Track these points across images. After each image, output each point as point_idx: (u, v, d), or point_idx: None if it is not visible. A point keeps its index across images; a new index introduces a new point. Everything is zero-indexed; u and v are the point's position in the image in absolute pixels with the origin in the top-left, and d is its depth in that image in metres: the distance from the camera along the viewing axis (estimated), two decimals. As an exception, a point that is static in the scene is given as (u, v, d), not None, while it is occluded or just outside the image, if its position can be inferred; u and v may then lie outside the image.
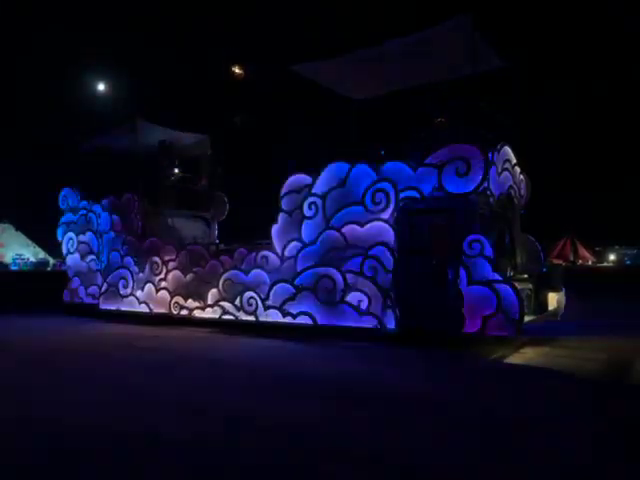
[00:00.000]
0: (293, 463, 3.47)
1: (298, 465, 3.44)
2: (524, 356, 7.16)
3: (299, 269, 9.01)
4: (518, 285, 7.32)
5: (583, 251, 60.26)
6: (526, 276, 8.64)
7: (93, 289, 13.00)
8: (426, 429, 4.13)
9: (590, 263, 57.97)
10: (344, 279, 8.42)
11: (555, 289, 8.70)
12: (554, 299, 8.72)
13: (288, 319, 9.13)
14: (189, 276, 10.80)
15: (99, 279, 12.80)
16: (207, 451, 3.71)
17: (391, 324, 7.99)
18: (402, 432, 4.06)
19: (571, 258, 57.99)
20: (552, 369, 6.31)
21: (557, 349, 7.63)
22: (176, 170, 13.82)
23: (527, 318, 7.51)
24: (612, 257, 59.80)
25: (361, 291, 8.28)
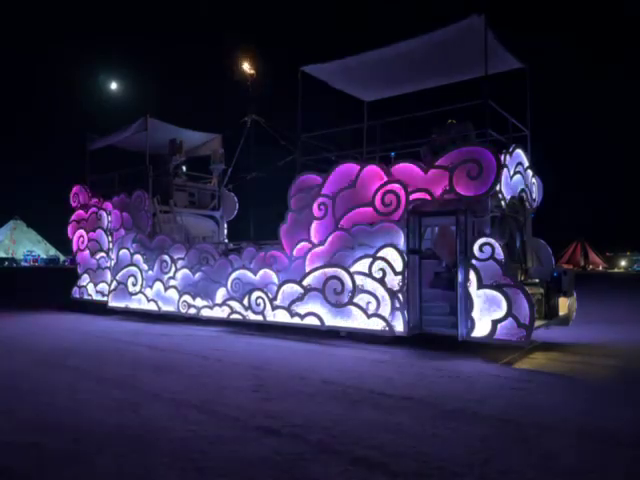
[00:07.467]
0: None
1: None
2: (534, 361, 7.07)
3: (307, 270, 8.98)
4: (529, 289, 7.22)
5: (594, 256, 59.78)
6: (537, 280, 8.54)
7: (102, 286, 13.08)
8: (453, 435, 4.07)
9: (601, 268, 57.46)
10: (352, 280, 8.38)
11: (566, 294, 8.59)
12: (565, 304, 8.61)
13: (296, 320, 9.11)
14: (198, 275, 10.82)
15: (108, 276, 12.86)
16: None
17: (399, 327, 7.93)
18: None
19: (582, 263, 57.55)
20: (563, 375, 6.23)
21: (568, 355, 7.54)
22: (184, 168, 13.87)
23: (537, 323, 7.43)
24: (623, 263, 59.28)
25: (369, 293, 8.23)
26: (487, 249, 7.21)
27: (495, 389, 5.56)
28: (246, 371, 6.44)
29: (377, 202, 8.26)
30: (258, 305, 9.67)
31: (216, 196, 14.16)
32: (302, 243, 9.13)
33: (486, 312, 7.16)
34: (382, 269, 8.10)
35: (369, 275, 8.22)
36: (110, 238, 12.94)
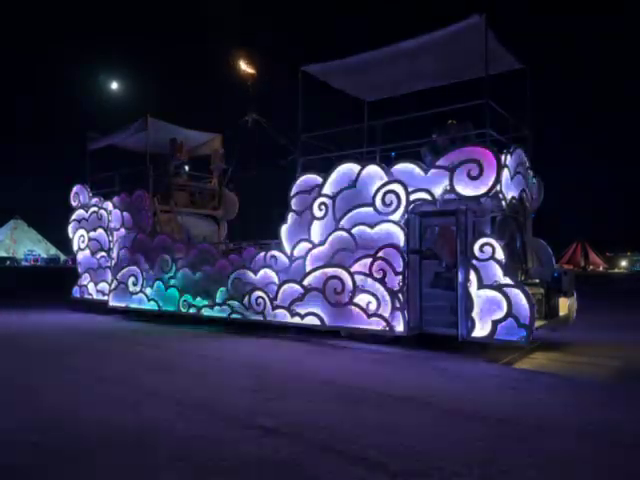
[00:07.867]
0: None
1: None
2: (534, 361, 7.08)
3: (308, 270, 8.98)
4: (529, 290, 7.22)
5: (594, 257, 59.83)
6: (537, 281, 8.54)
7: (103, 286, 13.08)
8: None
9: (601, 269, 57.49)
10: (353, 280, 8.38)
11: (566, 294, 8.59)
12: (565, 304, 8.61)
13: (296, 319, 9.11)
14: (198, 274, 10.82)
15: (109, 276, 12.87)
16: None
17: (400, 327, 7.93)
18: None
19: (582, 263, 57.58)
20: (563, 375, 6.23)
21: (568, 355, 7.54)
22: (187, 168, 13.87)
23: (538, 323, 7.42)
24: (623, 263, 59.38)
25: (370, 293, 8.23)
26: (487, 249, 7.21)
27: (495, 389, 5.56)
28: (246, 371, 6.44)
29: (377, 202, 8.26)
30: (258, 305, 9.67)
31: (216, 196, 14.16)
32: (302, 243, 9.13)
33: (486, 312, 7.16)
34: (382, 269, 8.10)
35: (369, 275, 8.22)
36: (111, 237, 12.94)
